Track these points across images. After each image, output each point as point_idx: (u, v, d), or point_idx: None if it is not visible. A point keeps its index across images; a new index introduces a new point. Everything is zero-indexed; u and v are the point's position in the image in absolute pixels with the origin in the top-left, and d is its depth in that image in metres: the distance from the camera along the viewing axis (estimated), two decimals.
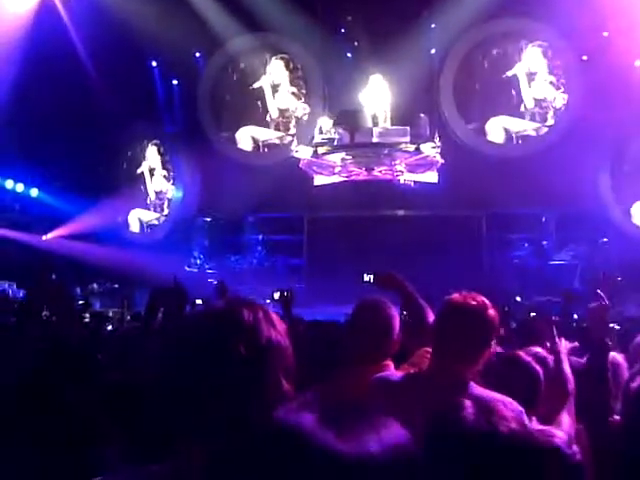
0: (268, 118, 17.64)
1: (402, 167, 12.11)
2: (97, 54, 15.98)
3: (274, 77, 17.61)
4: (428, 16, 15.67)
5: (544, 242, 15.94)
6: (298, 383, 1.66)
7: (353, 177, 12.58)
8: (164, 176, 18.59)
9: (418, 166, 12.24)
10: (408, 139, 11.74)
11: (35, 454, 2.63)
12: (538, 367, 3.17)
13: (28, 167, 16.62)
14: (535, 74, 16.35)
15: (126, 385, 2.76)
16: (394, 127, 12.08)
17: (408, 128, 11.87)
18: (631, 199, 15.43)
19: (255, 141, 17.72)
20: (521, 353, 3.33)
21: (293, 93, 17.55)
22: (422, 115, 12.49)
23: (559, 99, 16.19)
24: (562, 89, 16.15)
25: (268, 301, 7.44)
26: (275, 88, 17.61)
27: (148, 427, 2.08)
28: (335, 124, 12.15)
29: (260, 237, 17.21)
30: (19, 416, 2.79)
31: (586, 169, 14.67)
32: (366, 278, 4.35)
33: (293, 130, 17.45)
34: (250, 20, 16.21)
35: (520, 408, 2.67)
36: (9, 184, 17.04)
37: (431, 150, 11.75)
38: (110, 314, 11.59)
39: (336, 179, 12.73)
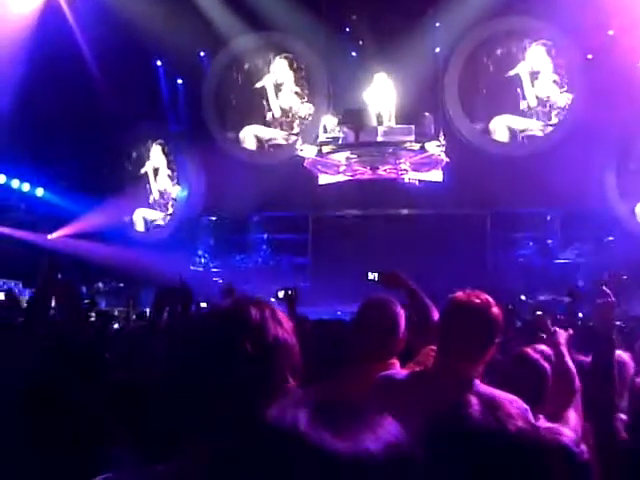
0: (271, 117, 17.65)
1: (407, 166, 12.11)
2: (102, 54, 16.00)
3: (277, 76, 17.61)
4: (433, 15, 15.65)
5: (549, 241, 15.92)
6: (304, 381, 1.66)
7: (358, 176, 12.59)
8: (169, 175, 18.62)
9: (423, 165, 12.23)
10: (413, 138, 11.73)
11: (41, 453, 2.64)
12: (546, 364, 3.17)
13: (34, 167, 16.66)
14: (539, 73, 16.32)
15: (132, 384, 2.76)
16: (399, 126, 12.07)
17: (413, 127, 11.86)
18: (636, 198, 15.40)
19: (259, 140, 17.74)
20: (529, 350, 3.33)
21: (297, 92, 17.55)
22: (427, 114, 12.48)
23: (563, 98, 16.17)
24: (566, 88, 16.13)
25: (273, 299, 7.45)
26: (278, 87, 17.61)
27: (154, 426, 2.09)
28: (340, 123, 12.15)
29: (265, 236, 17.23)
30: (25, 415, 2.80)
31: (591, 168, 14.65)
32: (370, 276, 4.33)
33: (297, 129, 17.45)
34: (254, 19, 16.22)
35: (525, 406, 2.67)
36: (15, 184, 17.07)
37: (436, 149, 11.74)
38: (116, 313, 11.61)
39: (341, 178, 12.73)
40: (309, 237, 17.02)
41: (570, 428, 2.81)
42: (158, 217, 18.65)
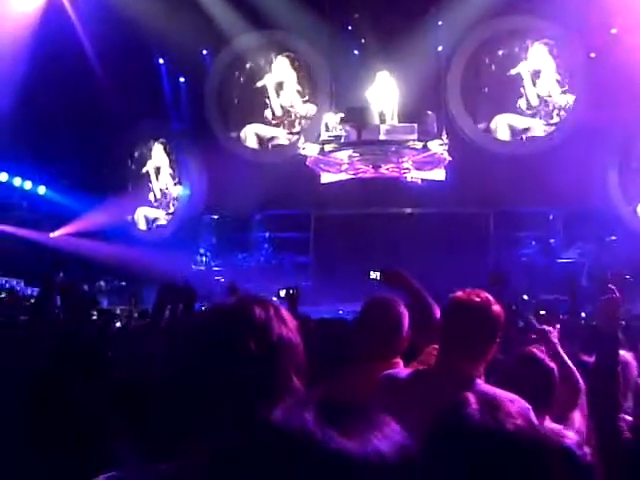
0: (272, 116, 17.65)
1: (409, 164, 12.09)
2: (104, 52, 16.02)
3: (279, 75, 17.61)
4: (435, 13, 15.63)
5: (552, 240, 15.89)
6: (307, 380, 1.66)
7: (360, 175, 12.56)
8: (171, 174, 18.64)
9: (425, 163, 12.21)
10: (415, 136, 11.70)
11: (43, 452, 2.64)
12: (552, 364, 3.16)
13: (36, 165, 16.68)
14: (541, 72, 16.30)
15: (135, 383, 2.76)
16: (401, 124, 12.05)
17: (415, 125, 11.83)
18: (639, 197, 15.38)
19: (260, 139, 17.74)
20: (535, 350, 3.32)
21: (298, 91, 17.55)
22: (429, 112, 12.45)
23: (565, 97, 16.15)
24: (567, 87, 16.11)
25: (275, 298, 7.44)
26: (280, 86, 17.61)
27: (157, 425, 2.08)
28: (342, 121, 12.13)
29: (267, 235, 17.22)
30: (27, 413, 2.80)
31: (594, 167, 14.65)
32: (372, 275, 4.32)
33: (298, 128, 17.46)
34: (257, 17, 16.22)
35: (527, 405, 2.66)
36: (17, 182, 17.09)
37: (438, 147, 11.72)
38: (118, 311, 11.62)
39: (343, 177, 12.71)
40: (311, 236, 17.01)
41: (575, 429, 2.80)
42: (160, 216, 18.67)
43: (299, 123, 17.53)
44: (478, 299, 2.86)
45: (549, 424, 2.73)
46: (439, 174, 12.49)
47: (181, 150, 18.31)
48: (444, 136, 11.94)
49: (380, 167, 12.22)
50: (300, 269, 16.47)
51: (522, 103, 16.38)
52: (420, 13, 15.49)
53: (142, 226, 18.68)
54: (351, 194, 14.20)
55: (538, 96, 16.33)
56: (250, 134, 17.73)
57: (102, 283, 15.95)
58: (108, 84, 16.15)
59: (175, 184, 18.59)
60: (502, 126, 16.47)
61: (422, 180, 12.59)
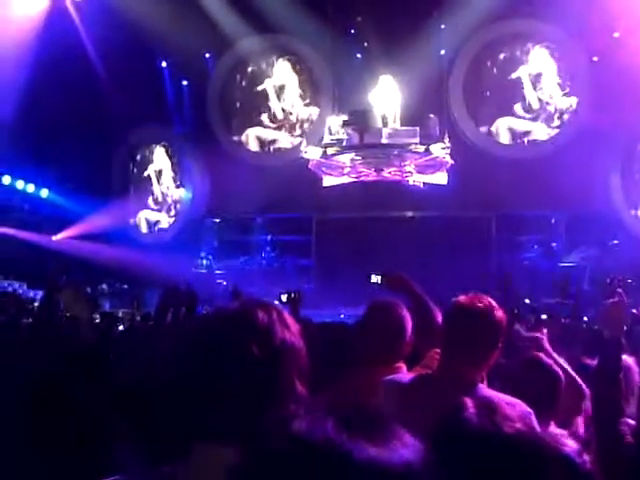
0: (273, 119, 17.64)
1: (411, 168, 12.09)
2: (107, 55, 16.05)
3: (280, 79, 17.61)
4: (438, 17, 15.64)
5: (554, 244, 15.88)
6: (310, 384, 1.66)
7: (362, 178, 12.56)
8: (172, 177, 18.65)
9: (427, 167, 12.21)
10: (418, 140, 11.70)
11: (46, 454, 2.64)
12: (558, 369, 3.16)
13: (38, 168, 16.69)
14: (541, 75, 16.30)
15: (137, 386, 2.76)
16: (404, 128, 12.05)
17: (418, 129, 11.84)
18: None
19: (261, 142, 17.74)
20: (542, 355, 3.32)
21: (300, 95, 17.55)
22: (432, 116, 12.46)
23: (567, 101, 16.15)
24: (568, 90, 16.10)
25: (277, 302, 7.44)
26: (281, 89, 17.61)
27: (160, 428, 2.09)
28: (344, 125, 12.13)
29: (269, 238, 17.20)
30: (30, 415, 2.80)
31: (596, 171, 14.63)
32: (374, 279, 4.30)
33: (299, 131, 17.47)
34: (260, 21, 16.21)
35: (529, 410, 2.66)
36: (20, 184, 17.11)
37: (441, 151, 11.72)
38: (120, 314, 11.62)
39: (345, 180, 12.71)
40: (313, 239, 17.00)
41: (578, 435, 2.79)
42: (162, 219, 18.69)
43: (300, 126, 17.53)
44: (481, 304, 2.85)
45: (553, 429, 2.73)
46: (441, 177, 12.49)
47: (183, 153, 18.32)
48: (446, 139, 11.94)
49: (382, 170, 12.22)
50: (302, 272, 16.46)
51: (523, 106, 16.37)
52: (423, 17, 15.51)
53: (144, 229, 18.70)
54: (353, 197, 14.19)
55: (539, 100, 16.32)
56: (251, 137, 17.75)
57: (104, 286, 15.94)
58: (111, 87, 16.18)
59: (177, 187, 18.61)
60: (503, 129, 16.46)
61: (424, 183, 12.58)
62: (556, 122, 16.23)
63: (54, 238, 17.08)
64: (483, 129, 16.54)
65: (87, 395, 2.85)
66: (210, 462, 1.52)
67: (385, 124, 12.10)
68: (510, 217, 15.87)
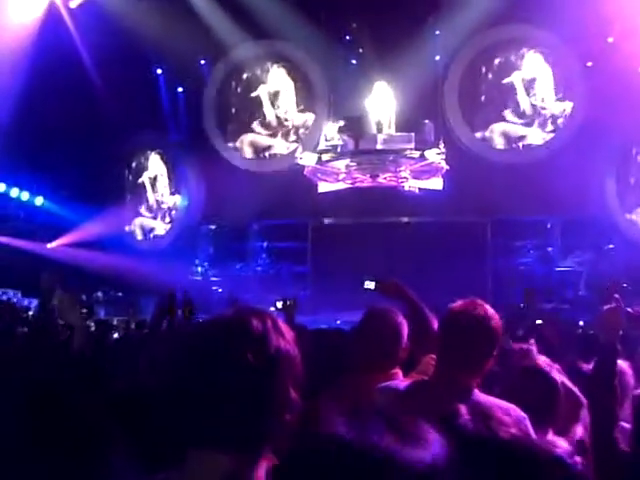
0: (267, 126, 17.65)
1: (407, 174, 12.09)
2: (102, 62, 16.03)
3: (274, 85, 17.62)
4: (433, 23, 15.69)
5: (549, 249, 15.90)
6: (304, 391, 1.66)
7: (358, 184, 12.56)
8: (168, 184, 18.63)
9: (423, 172, 12.22)
10: (413, 145, 11.72)
11: (42, 462, 2.63)
12: (557, 376, 3.16)
13: (33, 175, 16.67)
14: (535, 80, 16.33)
15: (133, 393, 2.76)
16: (399, 134, 12.07)
17: (413, 134, 11.85)
18: (636, 205, 15.39)
19: (256, 148, 17.74)
20: (540, 362, 3.32)
21: (295, 101, 17.56)
22: (427, 121, 12.48)
23: (561, 106, 16.18)
24: (562, 95, 16.13)
25: (272, 309, 7.44)
26: (275, 96, 17.61)
27: (155, 435, 2.08)
28: (339, 131, 12.14)
29: (265, 244, 17.19)
30: (25, 423, 2.79)
31: (591, 175, 14.66)
32: (367, 285, 4.26)
33: (294, 137, 17.47)
34: (255, 28, 16.23)
35: (523, 415, 2.65)
36: (14, 192, 17.08)
37: (436, 156, 11.73)
38: (115, 322, 11.60)
39: (341, 186, 12.71)
40: (309, 245, 16.98)
41: (573, 441, 2.79)
42: (157, 226, 18.66)
43: (295, 133, 17.53)
44: (476, 310, 2.86)
45: (551, 437, 2.72)
46: (436, 183, 12.49)
47: (179, 160, 18.31)
48: (441, 145, 11.95)
49: (377, 176, 12.22)
50: (298, 279, 16.44)
51: (516, 112, 16.40)
52: (418, 23, 15.54)
53: (139, 236, 18.67)
54: (348, 203, 14.20)
55: (532, 105, 16.34)
56: (246, 144, 17.74)
57: (99, 294, 15.90)
58: (106, 94, 16.16)
59: (172, 194, 18.58)
60: (497, 135, 16.49)
61: (419, 189, 12.58)
62: (550, 127, 16.26)
63: (49, 246, 17.05)
64: (478, 134, 16.56)
65: (82, 402, 2.84)
66: (205, 469, 1.53)
67: (380, 130, 12.11)
68: (505, 222, 15.87)
